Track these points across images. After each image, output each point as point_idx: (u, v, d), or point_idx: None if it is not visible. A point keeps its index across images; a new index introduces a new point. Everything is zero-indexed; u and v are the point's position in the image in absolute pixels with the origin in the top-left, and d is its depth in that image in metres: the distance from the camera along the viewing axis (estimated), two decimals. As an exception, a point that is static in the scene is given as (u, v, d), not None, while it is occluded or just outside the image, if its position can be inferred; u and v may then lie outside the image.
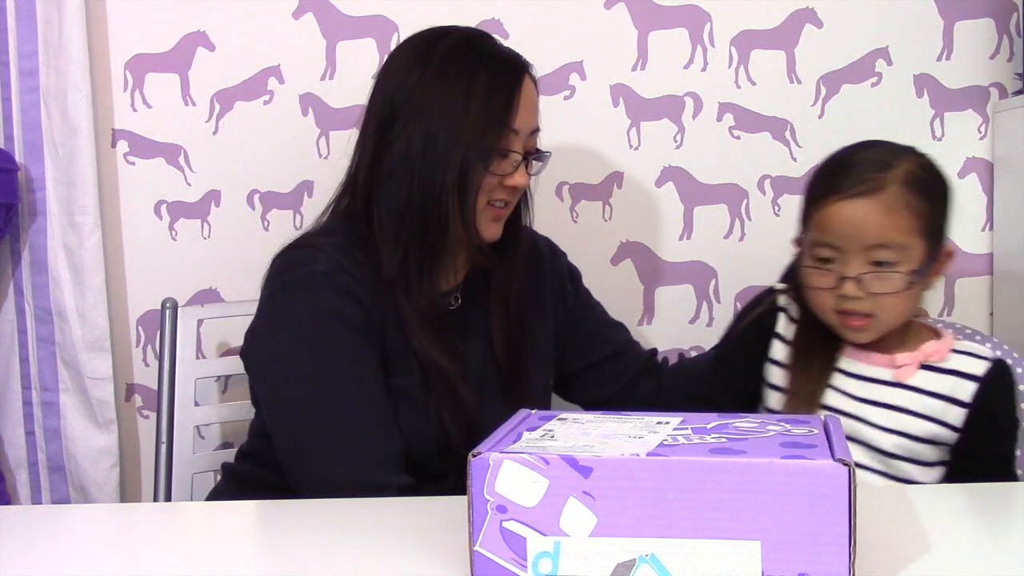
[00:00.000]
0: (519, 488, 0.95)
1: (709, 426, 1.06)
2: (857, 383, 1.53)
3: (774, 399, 1.57)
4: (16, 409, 2.22)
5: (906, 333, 1.54)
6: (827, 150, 2.25)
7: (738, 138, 2.24)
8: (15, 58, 2.16)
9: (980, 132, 2.27)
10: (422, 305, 1.58)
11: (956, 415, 1.49)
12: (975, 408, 1.49)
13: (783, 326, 1.61)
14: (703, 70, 2.25)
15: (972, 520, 1.21)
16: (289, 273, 1.59)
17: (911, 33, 2.25)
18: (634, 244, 2.28)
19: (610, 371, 1.88)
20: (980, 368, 1.50)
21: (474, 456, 0.97)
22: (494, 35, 1.69)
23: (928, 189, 1.48)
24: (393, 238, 1.58)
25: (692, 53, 2.25)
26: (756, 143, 2.25)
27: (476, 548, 0.97)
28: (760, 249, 2.25)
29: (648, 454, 0.94)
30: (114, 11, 2.22)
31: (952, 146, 2.27)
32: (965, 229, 2.28)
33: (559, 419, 1.11)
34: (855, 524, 0.91)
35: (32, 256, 2.19)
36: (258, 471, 1.68)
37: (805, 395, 1.52)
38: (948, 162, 2.23)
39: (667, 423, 1.08)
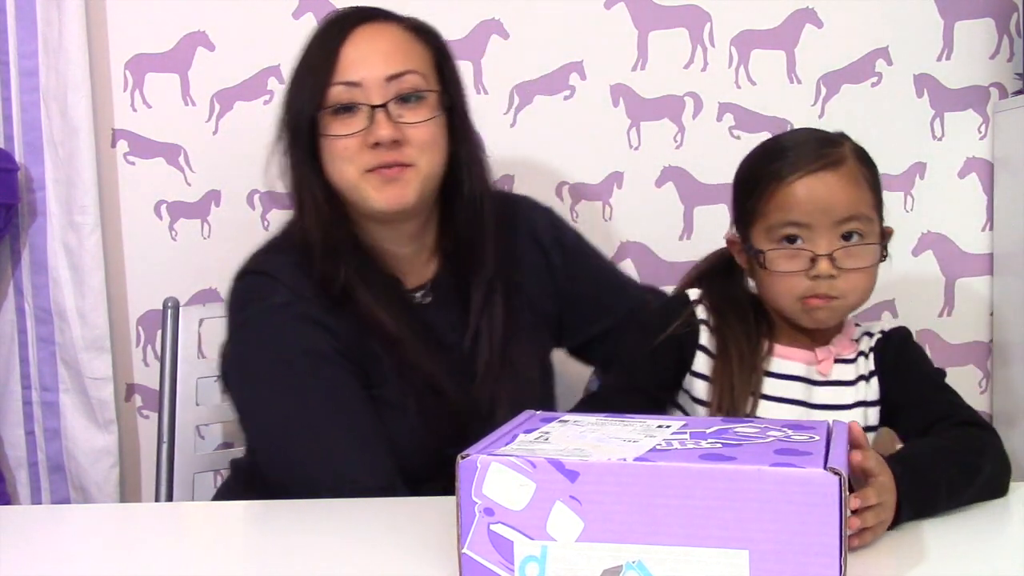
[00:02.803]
0: (506, 491, 0.95)
1: (709, 431, 1.06)
2: (785, 384, 1.48)
3: (700, 412, 1.50)
4: (16, 409, 2.22)
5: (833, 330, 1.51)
6: (827, 150, 2.26)
7: (738, 138, 2.23)
8: (15, 58, 2.16)
9: (980, 132, 2.26)
10: (385, 303, 1.54)
11: (872, 388, 1.48)
12: (880, 359, 1.48)
13: (706, 338, 1.51)
14: (703, 70, 2.25)
15: (960, 525, 1.20)
16: (249, 308, 1.55)
17: (911, 33, 2.24)
18: (634, 244, 2.28)
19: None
20: (876, 337, 1.50)
21: (463, 458, 0.97)
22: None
23: (872, 166, 1.47)
24: (319, 242, 1.54)
25: (692, 53, 2.24)
26: (756, 143, 2.22)
27: (464, 550, 0.97)
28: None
29: (635, 459, 0.94)
30: (114, 11, 2.22)
31: (952, 146, 2.26)
32: (965, 229, 2.28)
33: (560, 421, 1.11)
34: (846, 533, 0.90)
35: (32, 256, 2.20)
36: None
37: (730, 406, 1.45)
38: (948, 162, 2.26)
39: (668, 427, 1.07)
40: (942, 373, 1.49)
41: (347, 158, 1.50)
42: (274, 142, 1.61)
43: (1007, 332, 2.25)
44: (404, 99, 1.52)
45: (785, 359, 1.49)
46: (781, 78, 2.25)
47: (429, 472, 1.51)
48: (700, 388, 1.50)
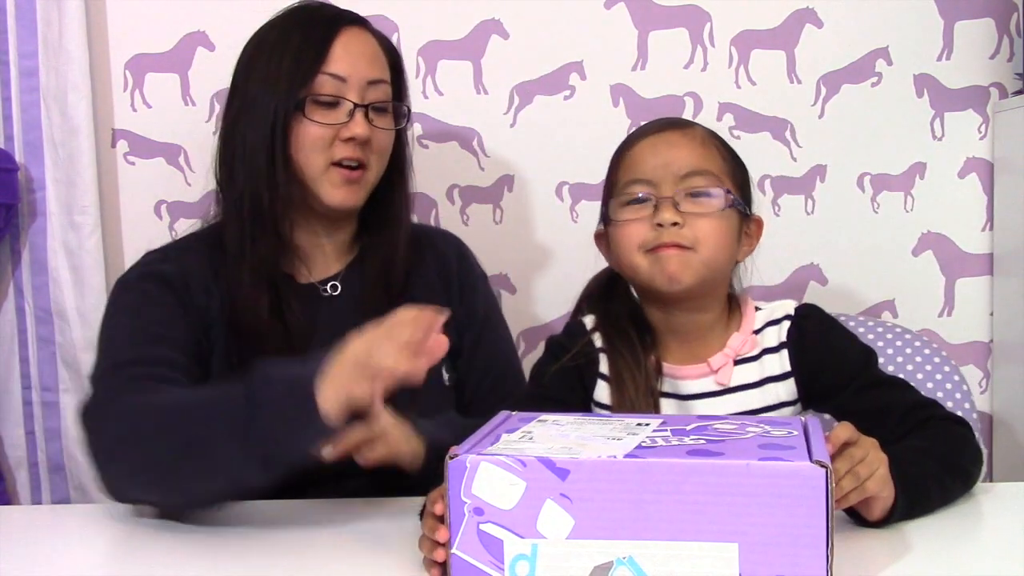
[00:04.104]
0: (496, 490, 0.95)
1: (689, 428, 1.07)
2: (685, 404, 1.43)
3: None
4: (16, 409, 2.22)
5: (721, 325, 1.46)
6: (827, 150, 2.27)
7: (738, 138, 2.22)
8: (15, 58, 2.16)
9: (980, 132, 2.26)
10: (252, 271, 1.55)
11: (787, 388, 1.42)
12: (798, 357, 1.42)
13: (606, 366, 1.47)
14: (703, 70, 2.25)
15: (950, 521, 1.21)
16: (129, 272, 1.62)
17: (911, 33, 2.24)
18: (634, 244, 2.27)
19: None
20: (784, 328, 1.43)
21: (451, 458, 0.97)
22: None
23: (730, 149, 1.45)
24: (230, 210, 1.58)
25: (692, 53, 2.25)
26: (756, 143, 2.25)
27: (453, 551, 0.97)
28: (759, 249, 2.23)
29: (625, 456, 0.95)
30: (114, 11, 2.23)
31: (952, 146, 2.26)
32: (965, 229, 2.29)
33: (539, 421, 1.11)
34: (832, 525, 0.91)
35: (32, 256, 2.20)
36: None
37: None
38: (948, 162, 2.26)
39: (647, 424, 1.08)
40: (872, 353, 1.44)
41: (319, 148, 1.56)
42: (229, 112, 1.63)
43: (1007, 332, 2.24)
44: (377, 106, 1.60)
45: (678, 379, 1.44)
46: (781, 78, 2.25)
47: None
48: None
